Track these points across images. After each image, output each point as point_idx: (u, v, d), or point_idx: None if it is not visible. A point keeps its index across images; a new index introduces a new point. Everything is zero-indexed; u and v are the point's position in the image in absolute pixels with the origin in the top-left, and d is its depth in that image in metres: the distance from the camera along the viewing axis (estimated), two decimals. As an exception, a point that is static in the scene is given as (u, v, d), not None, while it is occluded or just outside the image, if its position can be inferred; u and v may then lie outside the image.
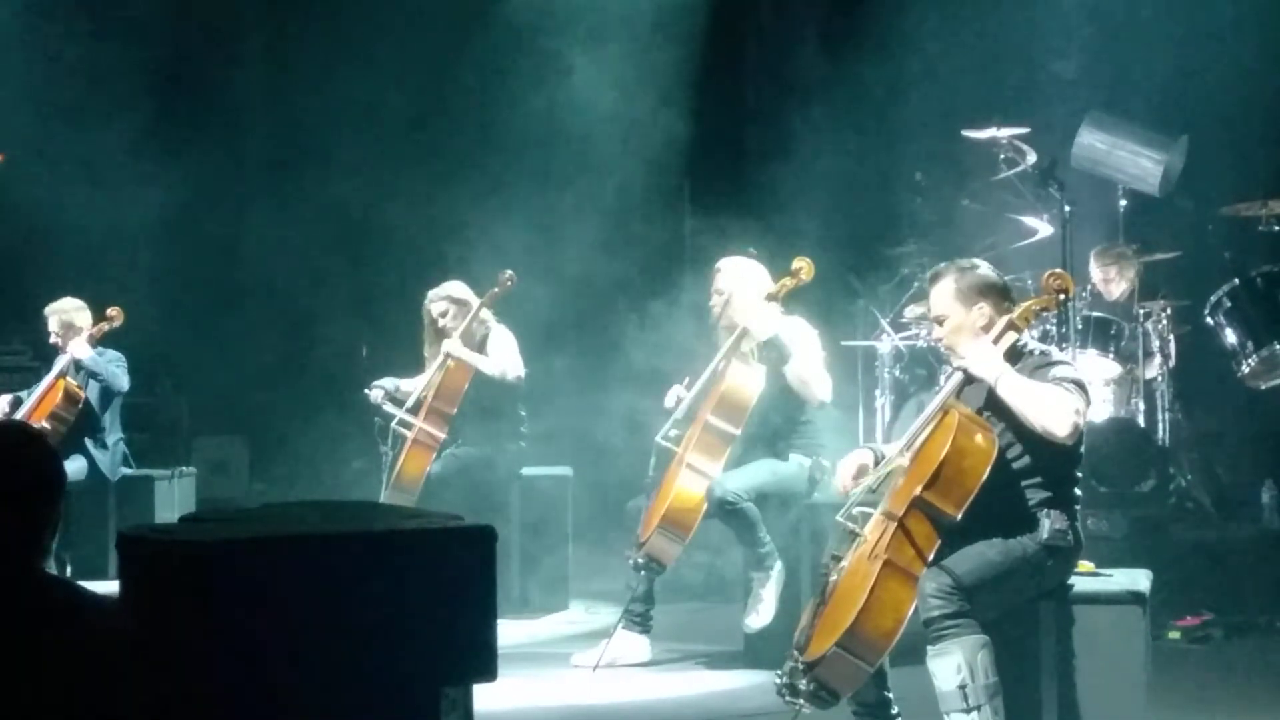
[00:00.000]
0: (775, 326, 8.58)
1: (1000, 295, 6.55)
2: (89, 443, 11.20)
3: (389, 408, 10.42)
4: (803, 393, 8.67)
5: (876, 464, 6.66)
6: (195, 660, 3.38)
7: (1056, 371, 6.29)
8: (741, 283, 8.88)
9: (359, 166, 13.41)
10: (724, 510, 8.45)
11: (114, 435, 11.38)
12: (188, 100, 13.56)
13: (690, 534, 8.62)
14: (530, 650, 9.35)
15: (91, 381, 11.20)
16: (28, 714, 3.60)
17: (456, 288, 10.51)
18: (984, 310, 6.50)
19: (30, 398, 11.18)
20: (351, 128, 13.42)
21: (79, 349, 11.08)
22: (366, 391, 10.57)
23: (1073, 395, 6.17)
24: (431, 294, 10.54)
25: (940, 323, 6.64)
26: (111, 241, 13.51)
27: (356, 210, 13.77)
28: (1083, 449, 6.44)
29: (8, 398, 11.32)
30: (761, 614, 8.49)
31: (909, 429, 6.60)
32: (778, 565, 8.52)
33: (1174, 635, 9.06)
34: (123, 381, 11.23)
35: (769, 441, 8.77)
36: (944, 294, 6.59)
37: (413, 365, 10.77)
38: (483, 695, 3.79)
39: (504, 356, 10.31)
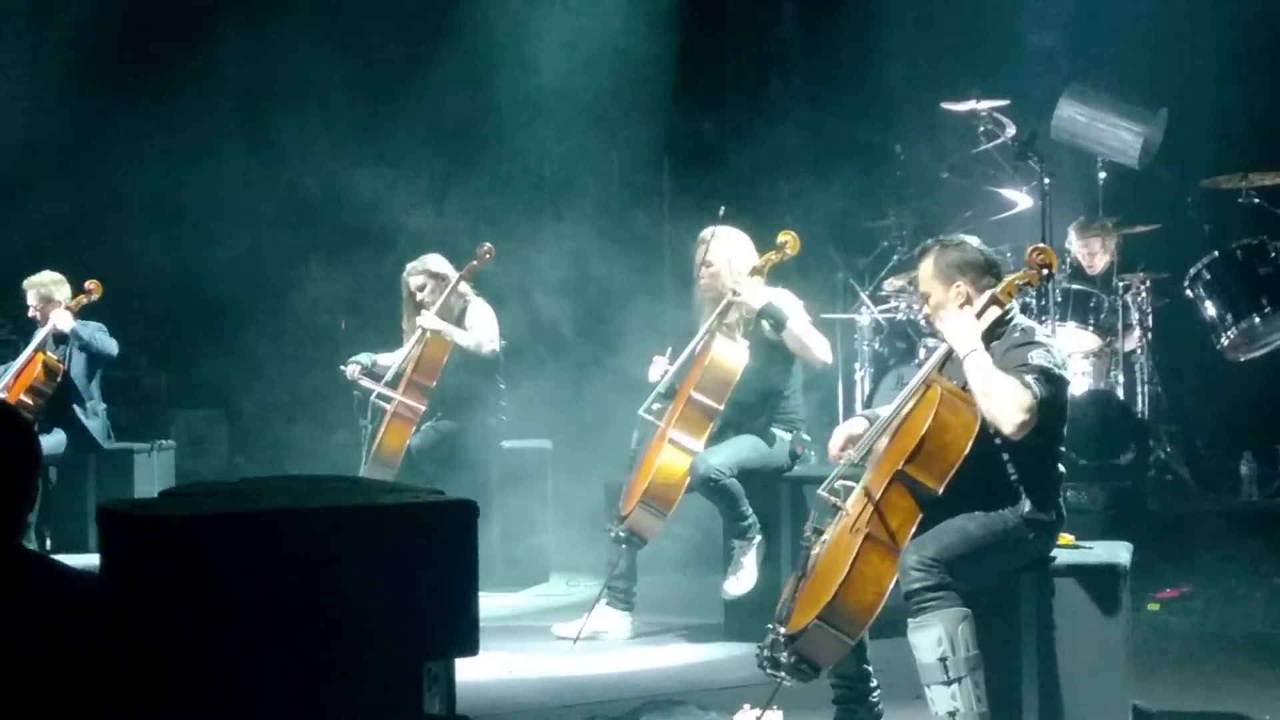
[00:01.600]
0: (767, 294, 8.56)
1: (980, 272, 6.54)
2: (79, 412, 11.19)
3: (365, 383, 10.41)
4: (802, 356, 8.64)
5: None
6: (174, 635, 3.37)
7: (1033, 356, 6.26)
8: (729, 254, 8.84)
9: (337, 140, 13.37)
10: (707, 486, 8.45)
11: (100, 405, 11.37)
12: (163, 74, 13.50)
13: (672, 509, 8.62)
14: (511, 623, 9.37)
15: (75, 353, 11.16)
16: (5, 689, 3.59)
17: (435, 261, 10.49)
18: (960, 289, 6.50)
19: (7, 374, 11.12)
20: (329, 103, 13.37)
21: (63, 321, 11.04)
22: (342, 368, 10.56)
23: (1028, 392, 6.12)
24: (410, 267, 10.52)
25: (926, 298, 6.66)
26: (88, 215, 13.47)
27: (335, 184, 13.73)
28: (1065, 424, 6.44)
29: (-15, 373, 11.29)
30: (741, 580, 8.49)
31: (891, 403, 6.60)
32: (759, 536, 8.53)
33: (1154, 607, 9.08)
34: (111, 347, 11.23)
35: (750, 416, 8.75)
36: (926, 271, 6.62)
37: (392, 338, 10.76)
38: (464, 668, 3.79)
39: (480, 329, 10.31)
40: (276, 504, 3.67)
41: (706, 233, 8.98)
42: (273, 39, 13.22)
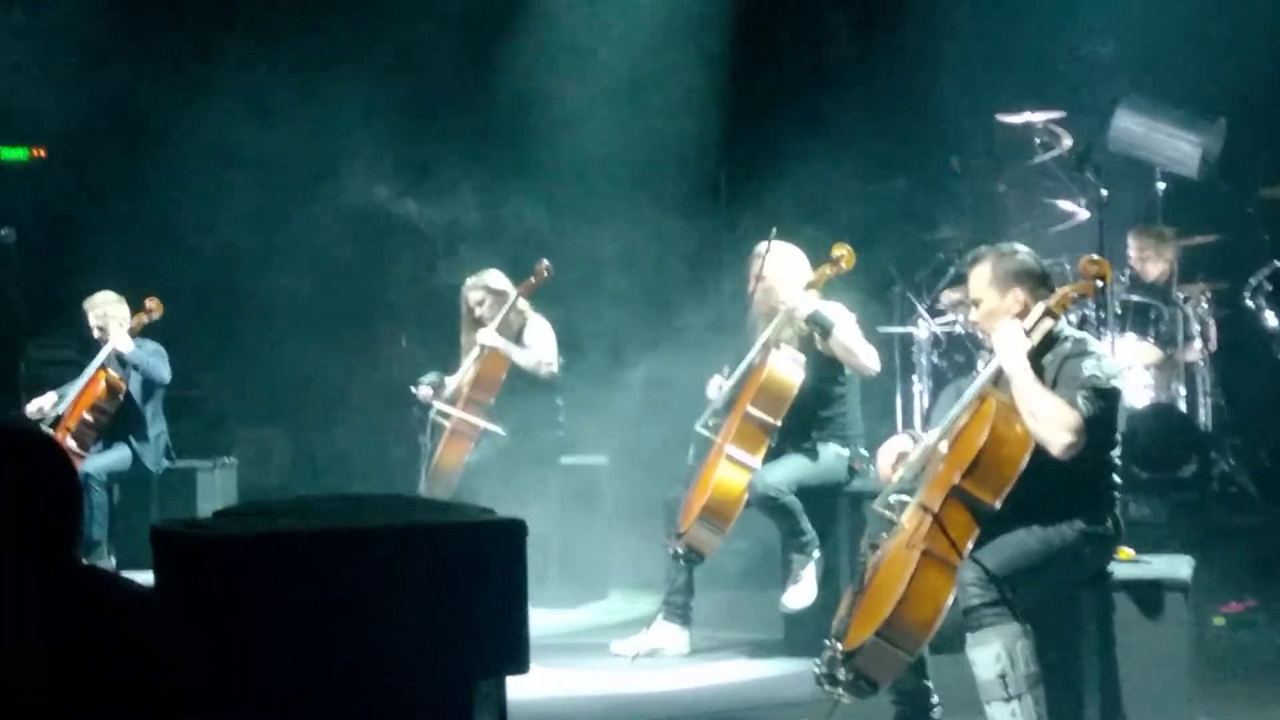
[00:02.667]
0: (816, 302, 8.52)
1: (1037, 282, 6.52)
2: (130, 436, 11.22)
3: (439, 404, 10.41)
4: (849, 363, 8.60)
5: (918, 446, 6.67)
6: (228, 654, 3.38)
7: (1086, 366, 6.23)
8: (783, 268, 8.81)
9: (394, 155, 13.39)
10: (767, 504, 8.42)
11: (156, 428, 11.39)
12: (224, 96, 13.56)
13: (731, 525, 8.59)
14: (568, 640, 9.34)
15: (133, 373, 11.23)
16: (64, 704, 3.61)
17: (494, 277, 10.50)
18: (1018, 296, 6.47)
19: (71, 392, 11.19)
20: (385, 118, 13.40)
21: (121, 341, 11.12)
22: (413, 389, 10.56)
23: (1075, 413, 6.09)
24: (469, 282, 10.53)
25: (976, 305, 6.62)
26: (151, 234, 13.53)
27: (393, 201, 13.76)
28: (1119, 435, 6.41)
29: (52, 395, 11.35)
30: (800, 594, 8.44)
31: (946, 416, 6.58)
32: (818, 552, 8.49)
33: (1218, 622, 8.98)
34: (163, 372, 11.26)
35: (807, 431, 8.72)
36: (981, 278, 6.58)
37: (452, 354, 10.77)
38: (522, 684, 3.79)
39: (539, 348, 10.31)
40: (327, 524, 3.67)
41: (760, 248, 8.95)
42: (323, 56, 13.27)
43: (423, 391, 10.51)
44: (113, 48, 13.61)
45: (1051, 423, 6.09)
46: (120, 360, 11.21)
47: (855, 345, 8.55)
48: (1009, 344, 6.32)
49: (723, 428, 8.76)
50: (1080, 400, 6.12)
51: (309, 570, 3.43)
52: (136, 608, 3.74)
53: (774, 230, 8.91)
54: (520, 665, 3.67)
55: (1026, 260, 6.57)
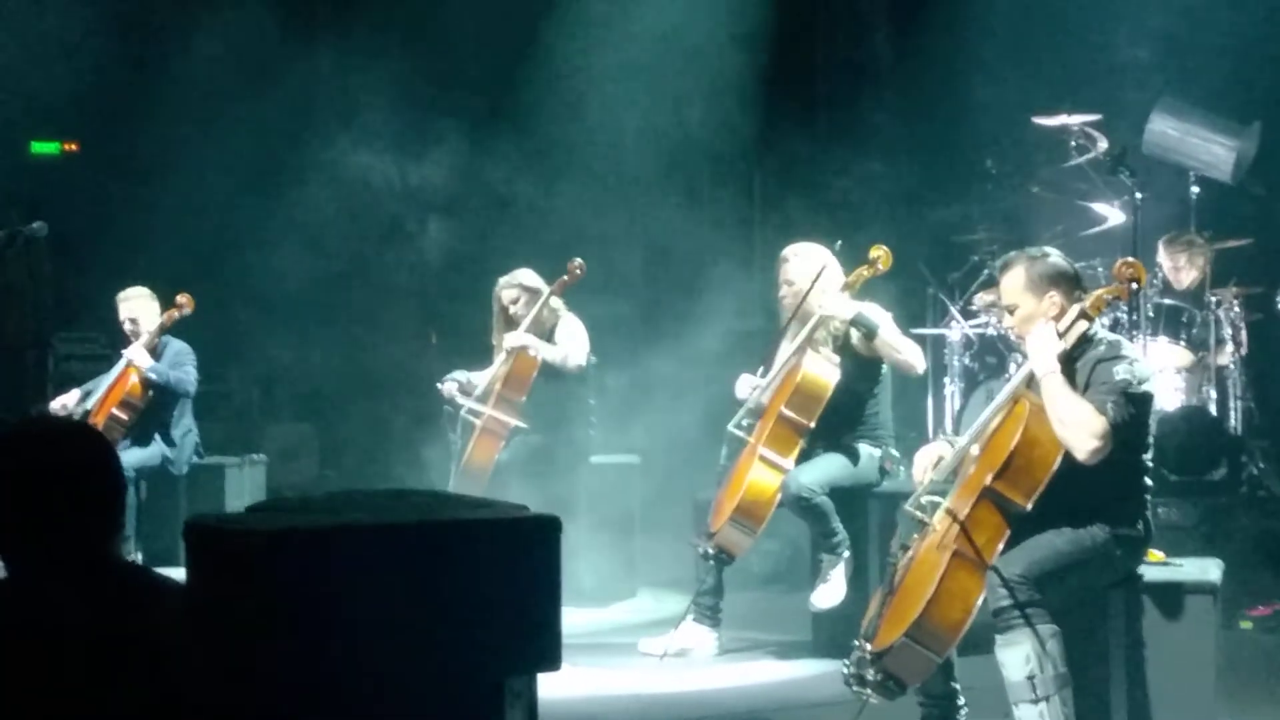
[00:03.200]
0: (856, 305, 8.52)
1: (1071, 284, 6.51)
2: (158, 434, 11.19)
3: (461, 400, 10.44)
4: (895, 363, 8.58)
5: (955, 451, 6.68)
6: (259, 650, 3.39)
7: (1117, 371, 6.22)
8: (813, 270, 8.80)
9: (426, 154, 13.42)
10: (800, 505, 8.42)
11: (182, 427, 11.28)
12: (251, 90, 13.59)
13: (763, 526, 8.59)
14: (598, 639, 9.35)
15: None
16: (101, 695, 3.63)
17: (527, 275, 10.52)
18: (1055, 299, 6.46)
19: (101, 387, 11.19)
20: (417, 113, 13.42)
21: (139, 358, 11.00)
22: (439, 385, 10.58)
23: (1102, 419, 6.08)
24: (502, 281, 10.55)
25: (1011, 312, 6.60)
26: (182, 230, 13.57)
27: (422, 199, 13.80)
28: (1151, 438, 6.40)
29: (76, 392, 11.35)
30: (830, 593, 8.43)
31: (979, 418, 6.58)
32: (848, 552, 8.48)
33: (1246, 625, 8.98)
34: (189, 385, 11.09)
35: (839, 432, 8.71)
36: (1015, 283, 6.56)
37: (481, 352, 10.78)
38: (550, 683, 3.79)
39: (569, 344, 10.32)
40: (360, 519, 3.68)
41: (788, 250, 8.95)
42: (358, 59, 13.32)
43: (447, 388, 10.53)
44: (146, 43, 13.66)
45: (1077, 427, 6.09)
46: (152, 353, 11.16)
47: (901, 345, 8.53)
48: (1041, 346, 6.31)
49: (756, 428, 8.76)
50: (1110, 405, 6.11)
51: (343, 565, 3.43)
52: (173, 601, 3.76)
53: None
54: (552, 663, 3.67)
55: (1059, 263, 6.56)
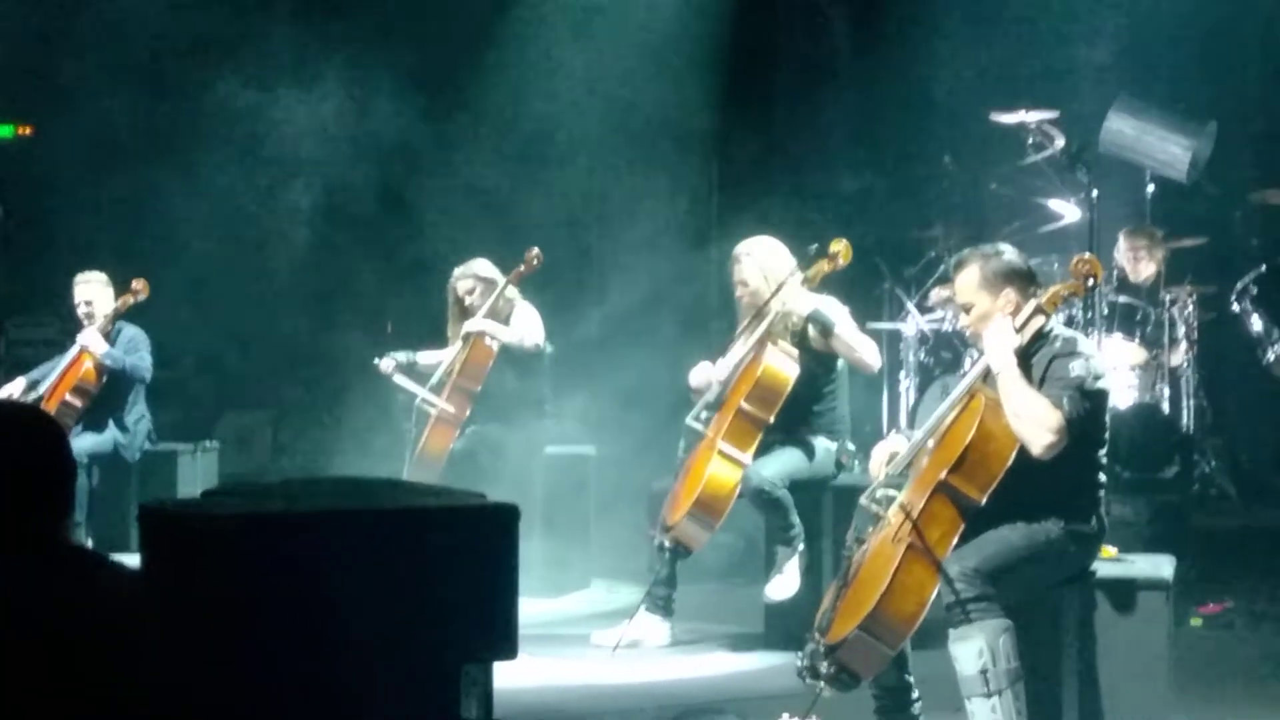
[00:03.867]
0: (813, 300, 8.54)
1: (1026, 280, 6.54)
2: (112, 420, 11.15)
3: (400, 380, 10.42)
4: (851, 360, 8.61)
5: (910, 450, 6.71)
6: (215, 635, 3.38)
7: (1073, 367, 6.25)
8: (768, 264, 8.81)
9: (382, 141, 13.39)
10: (760, 498, 8.43)
11: (134, 414, 11.25)
12: (212, 75, 13.54)
13: (721, 520, 8.61)
14: (551, 629, 9.33)
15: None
16: (52, 682, 3.61)
17: (483, 265, 10.50)
18: (1010, 296, 6.48)
19: (52, 374, 11.13)
20: (374, 103, 13.39)
21: (94, 343, 10.98)
22: (376, 361, 10.57)
23: (1057, 413, 6.11)
24: (457, 271, 10.53)
25: (967, 310, 6.61)
26: (136, 216, 13.51)
27: (379, 186, 13.77)
28: (1106, 434, 6.43)
29: (21, 380, 11.29)
30: (784, 585, 8.45)
31: (934, 413, 6.59)
32: (802, 545, 8.50)
33: (1196, 622, 9.02)
34: (144, 371, 11.10)
35: (796, 426, 8.72)
36: (969, 281, 6.57)
37: (437, 340, 10.76)
38: (504, 673, 3.79)
39: (523, 325, 10.30)
40: (318, 505, 3.67)
41: (741, 247, 8.95)
42: (322, 32, 13.28)
43: (385, 363, 10.51)
44: (101, 26, 13.58)
45: (1033, 422, 6.11)
46: (106, 338, 11.12)
47: (857, 342, 8.56)
48: (998, 341, 6.33)
49: (714, 421, 8.77)
50: (1065, 400, 6.14)
51: (299, 551, 3.41)
52: (125, 586, 3.75)
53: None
54: (509, 651, 3.66)
55: (1014, 260, 6.58)
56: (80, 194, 13.66)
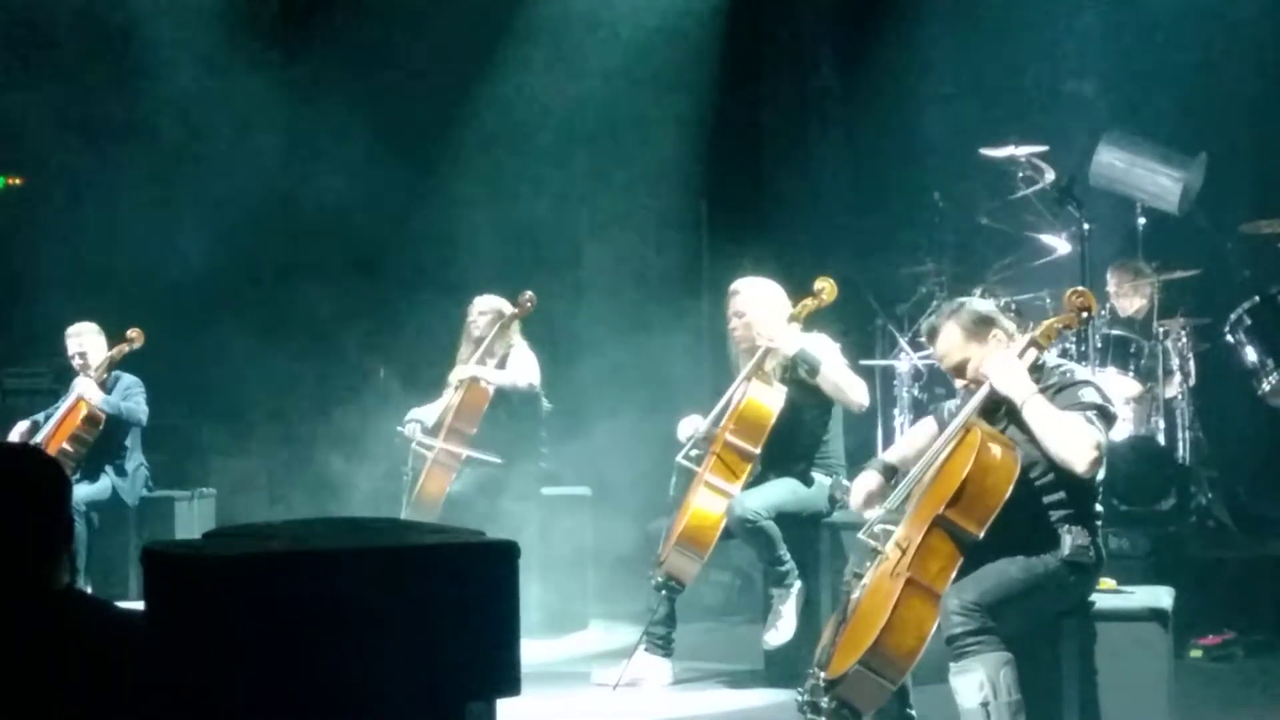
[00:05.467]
0: (801, 340, 8.57)
1: (999, 316, 6.62)
2: (109, 468, 11.18)
3: (426, 440, 10.41)
4: (839, 399, 8.64)
5: (887, 479, 6.72)
6: (219, 675, 3.38)
7: (1085, 394, 6.29)
8: (760, 303, 8.86)
9: (368, 184, 13.41)
10: (744, 529, 8.43)
11: (134, 460, 11.34)
12: (199, 122, 13.57)
13: (708, 552, 8.60)
14: (550, 669, 9.33)
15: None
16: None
17: (504, 304, 10.53)
18: (998, 336, 6.53)
19: (49, 421, 11.18)
20: (357, 142, 13.40)
21: (90, 393, 11.03)
22: (400, 429, 10.53)
23: (1093, 428, 6.17)
24: (479, 302, 10.54)
25: (961, 370, 6.63)
26: (130, 265, 13.51)
27: (371, 231, 13.79)
28: (1103, 467, 6.44)
29: (25, 423, 11.33)
30: (781, 631, 8.46)
31: (930, 447, 6.60)
32: (798, 583, 8.50)
33: (1196, 654, 9.01)
34: (140, 415, 11.20)
35: (788, 461, 8.75)
36: (953, 339, 6.62)
37: (428, 385, 10.77)
38: (503, 713, 3.79)
39: (518, 367, 10.32)
40: (320, 544, 3.68)
41: (736, 284, 9.00)
42: (308, 67, 13.31)
43: (409, 429, 10.51)
44: (93, 75, 13.61)
45: (1076, 441, 6.15)
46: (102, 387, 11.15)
47: (844, 382, 8.58)
48: (1010, 373, 6.35)
49: (704, 459, 8.79)
50: (1095, 418, 6.18)
51: (302, 591, 3.43)
52: (127, 630, 3.74)
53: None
54: (511, 687, 3.67)
55: (980, 303, 6.71)
56: (71, 244, 13.65)
